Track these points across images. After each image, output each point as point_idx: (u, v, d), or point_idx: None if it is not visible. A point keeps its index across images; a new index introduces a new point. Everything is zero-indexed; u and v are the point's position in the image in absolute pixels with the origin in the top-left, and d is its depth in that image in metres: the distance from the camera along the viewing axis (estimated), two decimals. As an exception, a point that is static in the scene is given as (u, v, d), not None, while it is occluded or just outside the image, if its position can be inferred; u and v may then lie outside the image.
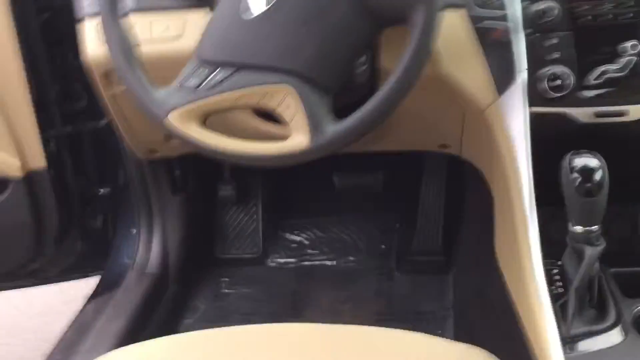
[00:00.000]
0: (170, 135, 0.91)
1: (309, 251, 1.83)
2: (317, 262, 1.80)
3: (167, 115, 0.87)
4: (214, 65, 0.87)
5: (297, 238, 1.86)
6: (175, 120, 0.87)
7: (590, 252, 0.89)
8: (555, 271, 1.00)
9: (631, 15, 0.97)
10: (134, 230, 1.66)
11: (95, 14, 1.11)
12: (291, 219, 1.88)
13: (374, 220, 1.84)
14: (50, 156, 1.43)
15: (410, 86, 0.83)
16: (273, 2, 0.85)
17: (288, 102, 0.84)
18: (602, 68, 0.98)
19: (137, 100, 0.88)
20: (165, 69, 0.95)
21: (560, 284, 0.97)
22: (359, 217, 1.85)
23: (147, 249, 1.65)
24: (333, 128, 0.84)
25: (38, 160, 1.41)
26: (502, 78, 1.02)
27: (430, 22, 0.81)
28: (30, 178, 1.40)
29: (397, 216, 1.83)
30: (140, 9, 1.11)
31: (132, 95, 0.88)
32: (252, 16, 0.85)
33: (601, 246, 0.90)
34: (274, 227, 1.87)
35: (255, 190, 1.84)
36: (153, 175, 1.58)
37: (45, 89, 1.41)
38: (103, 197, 1.66)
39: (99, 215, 1.68)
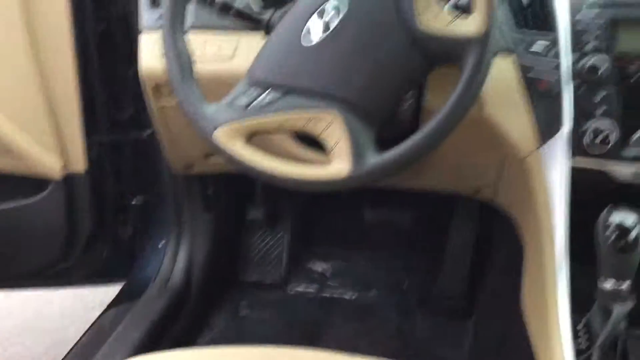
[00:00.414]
0: (211, 152, 0.93)
1: (330, 283, 1.83)
2: (337, 294, 1.79)
3: (214, 131, 0.89)
4: (265, 86, 0.89)
5: (320, 268, 1.86)
6: (222, 136, 0.89)
7: (619, 309, 0.88)
8: (580, 325, 0.99)
9: (679, 78, 0.97)
10: (161, 244, 1.68)
11: (155, 28, 1.16)
12: (317, 248, 1.88)
13: (400, 257, 1.84)
14: (91, 161, 1.46)
15: (455, 125, 0.84)
16: (330, 30, 0.87)
17: (333, 128, 0.86)
18: (647, 128, 0.98)
19: (187, 114, 0.91)
20: (216, 86, 0.98)
21: (587, 336, 0.96)
22: (385, 253, 1.85)
23: (172, 263, 1.66)
24: (374, 159, 0.85)
25: (79, 164, 1.44)
26: (547, 128, 1.02)
27: (480, 64, 0.82)
28: (69, 180, 1.44)
29: (423, 256, 1.83)
30: (196, 26, 1.15)
31: (183, 109, 0.91)
32: (312, 43, 0.88)
33: (630, 304, 0.89)
34: (299, 255, 1.87)
35: (285, 215, 1.86)
36: (187, 190, 1.60)
37: (94, 95, 1.45)
38: (136, 207, 1.69)
39: (130, 225, 1.70)
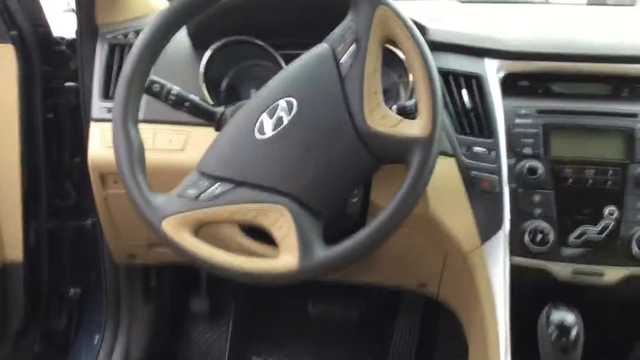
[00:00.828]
0: (156, 242, 0.92)
1: None
2: None
3: (162, 221, 0.88)
4: (215, 179, 0.90)
5: None
6: (170, 227, 0.88)
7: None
8: None
9: (610, 182, 1.03)
10: (97, 338, 1.61)
11: (105, 119, 1.16)
12: (260, 343, 1.83)
13: (344, 353, 1.80)
14: (28, 250, 1.41)
15: (401, 221, 0.86)
16: (282, 126, 0.89)
17: (282, 222, 0.87)
18: (582, 229, 1.03)
19: (134, 204, 0.90)
20: (165, 178, 0.98)
21: None
22: (329, 348, 1.82)
23: (108, 359, 1.58)
24: (322, 253, 0.86)
25: (16, 253, 1.39)
26: (487, 226, 1.06)
27: (426, 164, 0.85)
28: (4, 270, 1.38)
29: (368, 351, 1.80)
30: (146, 120, 1.16)
31: (131, 198, 0.90)
32: (265, 136, 0.90)
33: None
34: (242, 350, 1.82)
35: (228, 308, 1.81)
36: (128, 281, 1.56)
37: (37, 184, 1.43)
38: (72, 299, 1.62)
39: (64, 317, 1.63)
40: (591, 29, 1.28)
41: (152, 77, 0.97)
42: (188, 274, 1.73)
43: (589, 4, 1.96)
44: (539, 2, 1.92)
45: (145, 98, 1.05)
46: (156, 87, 0.99)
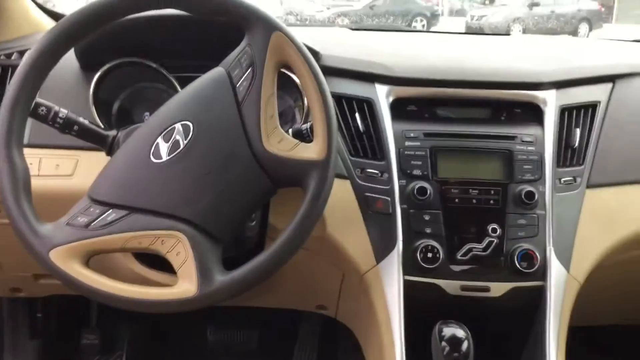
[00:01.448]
0: (44, 274, 0.87)
1: None
2: None
3: (49, 252, 0.84)
4: (108, 205, 0.87)
5: None
6: (58, 258, 0.84)
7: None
8: None
9: (492, 201, 1.10)
10: None
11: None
12: None
13: None
14: None
15: (300, 243, 0.87)
16: (178, 150, 0.88)
17: (179, 249, 0.85)
18: (468, 246, 1.08)
19: (19, 234, 0.85)
20: (53, 205, 0.94)
21: None
22: None
23: None
24: (221, 278, 0.85)
25: None
26: (382, 246, 1.09)
27: (323, 187, 0.87)
28: None
29: None
30: (32, 145, 1.11)
31: (15, 228, 0.85)
32: (161, 160, 0.88)
33: None
34: None
35: (122, 340, 1.74)
36: (11, 316, 1.46)
37: None
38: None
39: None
40: (471, 56, 1.37)
41: (38, 99, 0.93)
42: (77, 305, 1.65)
43: (468, 33, 2.09)
44: (421, 31, 2.03)
45: (29, 121, 1.00)
46: (42, 111, 0.95)
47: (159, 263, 1.07)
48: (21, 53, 1.21)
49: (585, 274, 1.10)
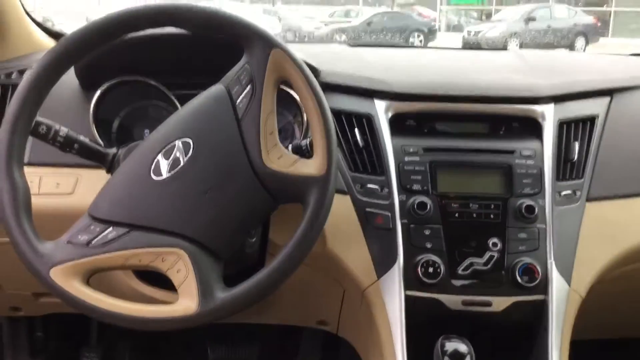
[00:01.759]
0: (44, 292, 0.87)
1: None
2: None
3: (50, 271, 0.84)
4: (108, 223, 0.87)
5: None
6: (59, 276, 0.84)
7: None
8: None
9: (493, 216, 1.10)
10: None
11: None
12: None
13: None
14: None
15: (300, 260, 0.87)
16: (178, 167, 0.88)
17: (179, 266, 0.85)
18: (469, 260, 1.08)
19: (19, 252, 0.85)
20: (53, 224, 0.94)
21: None
22: None
23: None
24: (222, 295, 0.85)
25: None
26: (382, 261, 1.09)
27: (323, 202, 0.87)
28: None
29: None
30: (32, 163, 1.11)
31: (16, 247, 0.85)
32: (161, 177, 0.88)
33: None
34: None
35: (122, 358, 1.73)
36: (11, 335, 1.45)
37: None
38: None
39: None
40: (469, 71, 1.38)
41: (39, 118, 0.93)
42: (77, 324, 1.64)
43: (465, 48, 2.10)
44: (419, 46, 2.04)
45: (30, 140, 1.00)
46: (43, 129, 0.95)
47: (160, 280, 1.07)
48: (21, 72, 1.21)
49: (587, 287, 1.10)
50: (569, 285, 1.08)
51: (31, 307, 1.32)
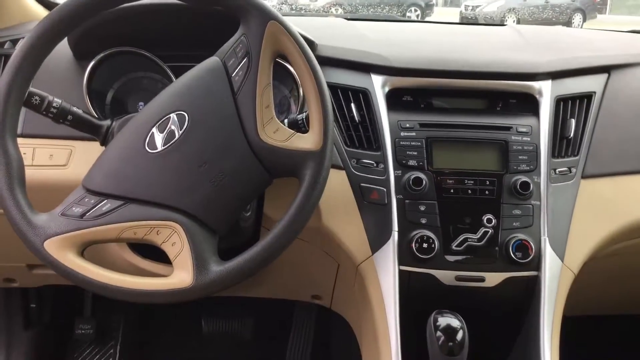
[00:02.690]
0: (38, 264, 0.87)
1: None
2: None
3: (44, 242, 0.84)
4: (102, 196, 0.87)
5: None
6: (53, 248, 0.84)
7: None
8: None
9: (487, 192, 1.10)
10: None
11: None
12: None
13: None
14: None
15: (295, 234, 0.87)
16: (173, 141, 0.88)
17: (174, 239, 0.85)
18: (463, 236, 1.08)
19: (13, 224, 0.85)
20: (47, 196, 0.93)
21: None
22: None
23: None
24: (217, 269, 0.85)
25: None
26: (377, 237, 1.09)
27: (318, 177, 0.87)
28: None
29: None
30: (25, 135, 1.10)
31: (10, 219, 0.85)
32: (156, 150, 0.88)
33: None
34: None
35: (116, 330, 1.74)
36: (5, 306, 1.46)
37: None
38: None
39: None
40: (467, 47, 1.36)
41: (32, 89, 0.92)
42: (71, 296, 1.64)
43: (462, 23, 2.08)
44: (416, 20, 2.02)
45: (23, 111, 0.99)
46: (36, 100, 0.94)
47: (155, 253, 1.07)
48: (14, 42, 1.20)
49: (580, 264, 1.10)
50: (562, 261, 1.09)
51: (25, 278, 1.32)
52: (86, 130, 1.00)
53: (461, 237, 1.08)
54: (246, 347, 1.82)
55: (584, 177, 1.14)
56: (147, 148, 0.88)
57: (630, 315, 1.64)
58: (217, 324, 1.77)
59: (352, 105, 1.14)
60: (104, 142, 1.01)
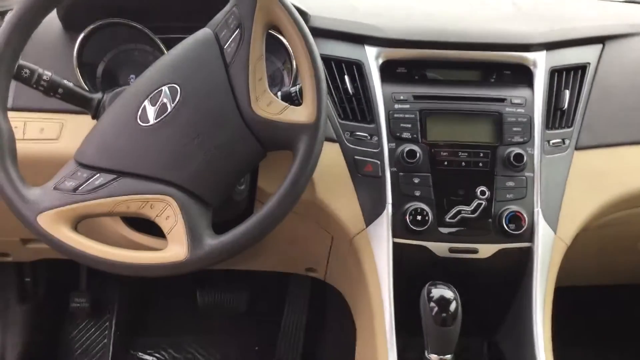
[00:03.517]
0: (31, 238, 0.87)
1: None
2: None
3: (37, 216, 0.83)
4: (95, 169, 0.86)
5: (150, 358, 1.76)
6: (46, 222, 0.83)
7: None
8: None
9: (481, 164, 1.10)
10: None
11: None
12: (146, 337, 1.79)
13: (234, 341, 1.80)
14: None
15: (289, 207, 0.87)
16: (166, 113, 0.87)
17: (168, 213, 0.85)
18: (457, 208, 1.09)
19: (6, 198, 0.84)
20: (39, 169, 0.93)
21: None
22: (219, 337, 1.81)
23: None
24: (212, 242, 0.85)
25: None
26: (371, 209, 1.09)
27: (312, 150, 0.87)
28: None
29: (258, 337, 1.81)
30: (15, 108, 1.09)
31: (2, 193, 0.84)
32: (148, 123, 0.87)
33: None
34: (126, 345, 1.76)
35: (111, 303, 1.75)
36: (0, 280, 1.46)
37: None
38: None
39: None
40: (461, 17, 1.35)
41: (21, 62, 0.91)
42: (66, 269, 1.65)
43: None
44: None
45: (13, 84, 0.98)
46: (26, 73, 0.93)
47: (149, 227, 1.07)
48: (2, 14, 1.18)
49: (572, 235, 1.11)
50: (555, 233, 1.09)
51: (19, 253, 1.32)
52: (77, 103, 0.99)
53: (455, 210, 1.08)
54: (241, 319, 1.83)
55: (577, 148, 1.14)
56: (139, 121, 0.87)
57: (622, 285, 1.65)
58: (212, 296, 1.78)
59: (346, 77, 1.14)
60: (95, 116, 1.00)
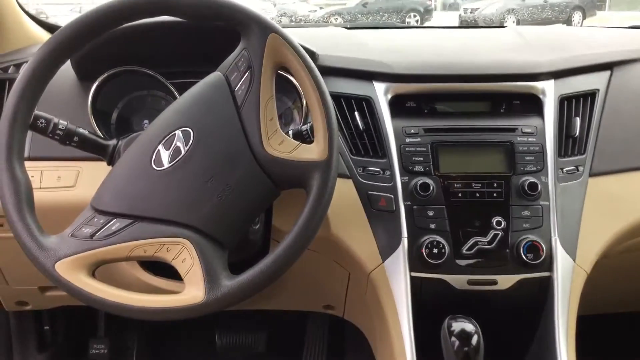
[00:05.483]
0: (49, 286, 0.87)
1: None
2: None
3: (55, 264, 0.84)
4: (111, 215, 0.87)
5: None
6: (64, 270, 0.84)
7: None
8: None
9: (495, 194, 1.10)
10: None
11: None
12: None
13: None
14: None
15: (305, 245, 0.87)
16: (180, 157, 0.88)
17: (184, 255, 0.85)
18: (473, 240, 1.08)
19: (24, 247, 0.85)
20: (56, 217, 0.94)
21: None
22: None
23: None
24: (229, 283, 0.85)
25: None
26: (387, 244, 1.09)
27: (325, 187, 0.87)
28: None
29: None
30: (32, 157, 1.11)
31: (20, 242, 0.85)
32: (162, 167, 0.88)
33: None
34: None
35: (130, 349, 1.74)
36: (18, 330, 1.46)
37: None
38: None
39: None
40: (468, 50, 1.37)
41: (37, 112, 0.93)
42: (85, 316, 1.65)
43: (462, 27, 2.08)
44: (415, 27, 2.02)
45: (29, 134, 1.00)
46: (42, 123, 0.94)
47: (166, 271, 1.07)
48: (18, 66, 1.21)
49: (592, 262, 1.10)
50: (574, 261, 1.08)
51: (38, 301, 1.32)
52: (93, 150, 1.00)
53: (471, 241, 1.08)
54: (261, 358, 1.81)
55: (591, 175, 1.14)
56: (153, 165, 0.89)
57: None
58: (230, 337, 1.77)
59: (356, 113, 1.15)
60: (110, 162, 1.02)
